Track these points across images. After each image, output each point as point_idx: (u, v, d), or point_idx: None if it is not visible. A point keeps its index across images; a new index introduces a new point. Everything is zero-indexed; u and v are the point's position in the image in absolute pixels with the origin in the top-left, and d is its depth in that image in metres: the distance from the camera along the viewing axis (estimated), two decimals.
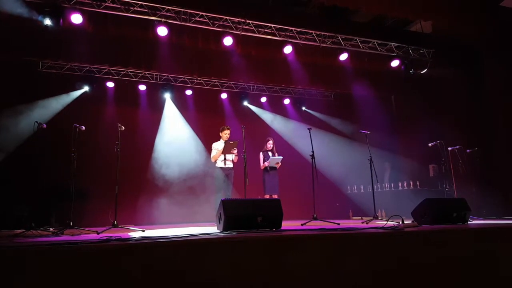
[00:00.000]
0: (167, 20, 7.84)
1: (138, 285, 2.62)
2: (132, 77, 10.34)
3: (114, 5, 7.49)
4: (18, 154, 8.19)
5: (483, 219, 6.68)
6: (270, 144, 8.21)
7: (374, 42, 9.50)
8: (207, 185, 10.02)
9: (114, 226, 5.80)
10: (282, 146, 10.66)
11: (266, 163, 7.90)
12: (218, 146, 7.65)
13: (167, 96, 10.82)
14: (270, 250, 3.09)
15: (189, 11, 7.86)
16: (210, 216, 7.67)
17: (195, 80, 10.97)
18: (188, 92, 11.11)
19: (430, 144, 8.01)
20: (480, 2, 8.14)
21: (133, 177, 9.54)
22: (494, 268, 3.74)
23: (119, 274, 2.61)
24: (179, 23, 7.96)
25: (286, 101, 12.40)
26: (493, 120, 8.77)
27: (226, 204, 4.25)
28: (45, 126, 6.00)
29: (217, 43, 8.48)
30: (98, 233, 5.03)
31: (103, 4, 7.43)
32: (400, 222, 5.03)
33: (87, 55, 8.45)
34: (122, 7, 7.53)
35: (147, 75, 10.43)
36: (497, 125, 8.65)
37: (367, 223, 6.16)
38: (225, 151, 7.42)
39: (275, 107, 12.30)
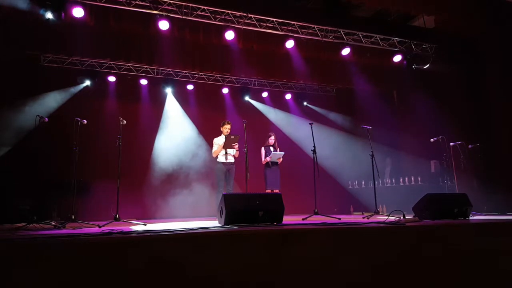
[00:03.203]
0: (169, 14, 7.81)
1: (140, 278, 2.63)
2: (134, 72, 10.33)
3: None
4: (20, 148, 8.21)
5: (485, 215, 6.68)
6: (272, 139, 8.21)
7: (376, 37, 9.46)
8: (208, 179, 10.04)
9: (116, 219, 5.81)
10: (284, 141, 10.67)
11: (268, 158, 7.91)
12: (219, 141, 7.65)
13: (169, 90, 10.82)
14: (271, 244, 3.09)
15: (190, 5, 7.82)
16: (212, 210, 7.70)
17: (197, 75, 10.95)
18: (190, 87, 11.10)
19: (432, 140, 7.99)
20: None
21: (135, 171, 9.57)
22: (495, 263, 3.74)
23: (120, 267, 2.62)
24: (180, 17, 7.92)
25: (288, 96, 12.39)
26: (495, 116, 8.74)
27: (227, 199, 4.26)
28: (46, 120, 6.02)
29: (219, 37, 8.45)
30: (100, 227, 5.04)
31: None
32: (401, 217, 5.04)
33: (89, 49, 8.44)
34: (124, 1, 7.49)
35: (149, 69, 10.42)
36: (499, 120, 8.62)
37: (368, 218, 6.15)
38: (226, 145, 7.42)
39: (277, 102, 12.28)
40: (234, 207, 4.19)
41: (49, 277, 2.45)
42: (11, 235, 3.46)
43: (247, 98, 11.76)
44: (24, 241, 2.71)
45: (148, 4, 7.67)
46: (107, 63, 9.85)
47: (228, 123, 7.71)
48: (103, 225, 5.18)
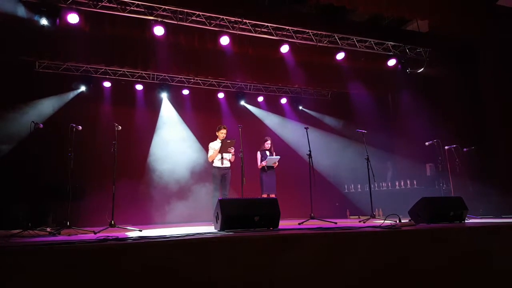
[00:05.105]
0: (164, 20, 7.82)
1: (135, 284, 2.62)
2: (129, 77, 10.31)
3: (111, 5, 7.47)
4: (15, 154, 8.17)
5: (480, 218, 6.70)
6: (268, 143, 8.22)
7: (370, 41, 9.51)
8: (204, 184, 10.02)
9: (111, 226, 5.78)
10: (279, 145, 10.67)
11: (264, 163, 7.91)
12: (214, 145, 7.65)
13: (164, 95, 10.82)
14: (267, 249, 3.09)
15: (185, 10, 7.85)
16: (208, 215, 7.68)
17: (192, 80, 10.95)
18: (185, 92, 11.09)
19: (427, 143, 8.02)
20: (477, 2, 8.16)
21: (130, 177, 9.49)
22: (491, 266, 3.75)
23: (116, 274, 2.61)
24: (175, 22, 7.94)
25: (283, 101, 12.40)
26: (490, 119, 8.79)
27: (223, 204, 4.26)
28: (41, 126, 6.00)
29: (214, 42, 8.48)
30: (95, 233, 5.02)
31: (99, 3, 7.40)
32: (397, 221, 5.04)
33: (84, 55, 8.45)
34: (119, 6, 7.51)
35: (144, 74, 10.41)
36: (494, 124, 8.67)
37: (364, 222, 6.16)
38: (222, 150, 7.42)
39: (272, 106, 12.30)
40: (230, 213, 4.18)
41: (44, 284, 2.44)
42: (6, 242, 3.44)
43: (242, 102, 11.78)
44: (19, 248, 2.69)
45: (143, 10, 7.68)
46: (102, 68, 9.84)
47: (224, 128, 7.72)
48: (99, 232, 5.16)
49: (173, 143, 10.59)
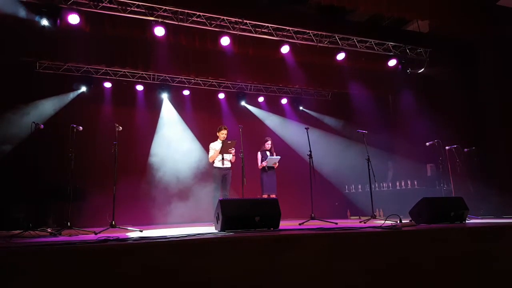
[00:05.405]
0: (164, 20, 7.82)
1: (136, 285, 2.62)
2: (130, 78, 10.31)
3: (111, 6, 7.47)
4: (16, 154, 8.17)
5: (481, 218, 6.69)
6: (268, 144, 8.22)
7: (371, 42, 9.51)
8: (205, 185, 10.00)
9: (112, 226, 5.79)
10: (280, 146, 10.67)
11: (264, 163, 7.91)
12: (215, 146, 7.65)
13: (165, 96, 10.81)
14: (267, 249, 3.09)
15: (186, 11, 7.85)
16: (208, 216, 7.68)
17: (193, 80, 10.96)
18: (186, 92, 11.09)
19: (427, 144, 8.01)
20: (478, 2, 8.17)
21: (131, 177, 9.49)
22: (491, 266, 3.75)
23: (116, 274, 2.61)
24: (176, 23, 7.94)
25: (284, 101, 12.39)
26: (491, 119, 8.79)
27: (224, 204, 4.26)
28: (42, 126, 6.01)
29: (214, 43, 8.46)
30: (96, 234, 5.02)
31: (100, 4, 7.40)
32: (398, 222, 5.04)
33: (84, 56, 8.47)
34: (119, 7, 7.51)
35: (145, 75, 10.41)
36: (494, 124, 8.67)
37: (364, 223, 6.16)
38: (223, 150, 7.42)
39: (273, 107, 12.29)
40: (231, 213, 4.19)
41: (45, 285, 2.44)
42: (7, 243, 3.44)
43: (243, 103, 11.78)
44: (20, 249, 2.70)
45: (143, 11, 7.68)
46: (103, 69, 9.84)
47: (224, 128, 7.73)
48: (99, 232, 5.16)
49: (174, 144, 10.58)
